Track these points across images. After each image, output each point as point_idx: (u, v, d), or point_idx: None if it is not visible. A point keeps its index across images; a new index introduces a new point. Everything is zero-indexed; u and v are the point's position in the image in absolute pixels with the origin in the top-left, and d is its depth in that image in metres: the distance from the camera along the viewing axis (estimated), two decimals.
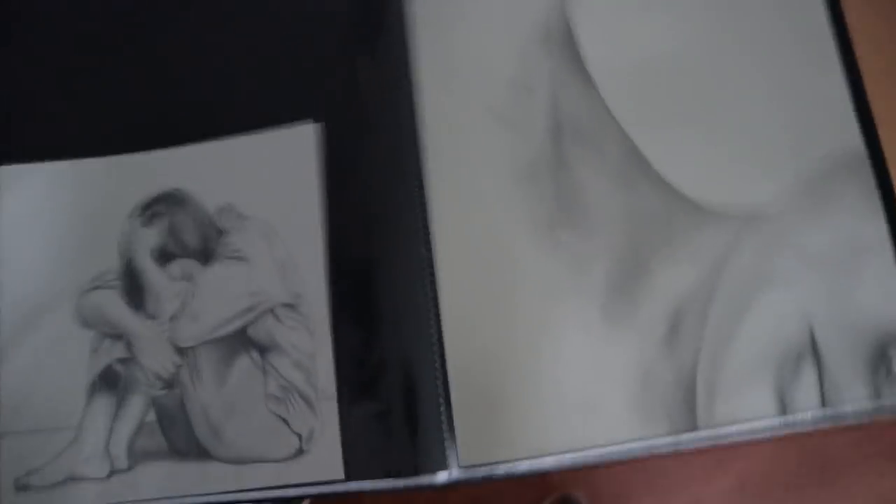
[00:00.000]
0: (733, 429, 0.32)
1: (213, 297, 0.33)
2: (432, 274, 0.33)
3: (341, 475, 0.31)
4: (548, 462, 0.31)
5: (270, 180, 0.35)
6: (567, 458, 0.31)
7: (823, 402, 0.33)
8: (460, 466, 0.31)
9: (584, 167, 0.35)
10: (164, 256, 0.34)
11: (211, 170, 0.35)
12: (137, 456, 0.32)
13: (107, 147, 0.35)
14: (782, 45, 0.36)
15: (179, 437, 0.32)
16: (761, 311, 0.34)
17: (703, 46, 0.36)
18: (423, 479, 0.31)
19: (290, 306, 0.33)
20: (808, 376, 0.33)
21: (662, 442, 0.32)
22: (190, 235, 0.34)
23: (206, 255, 0.34)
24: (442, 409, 0.31)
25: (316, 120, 0.35)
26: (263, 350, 0.32)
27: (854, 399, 0.33)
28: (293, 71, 0.36)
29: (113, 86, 0.36)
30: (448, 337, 0.33)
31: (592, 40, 0.36)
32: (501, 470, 0.31)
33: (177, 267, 0.34)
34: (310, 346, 0.32)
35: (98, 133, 0.35)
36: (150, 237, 0.34)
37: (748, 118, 0.36)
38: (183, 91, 0.36)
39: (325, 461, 0.31)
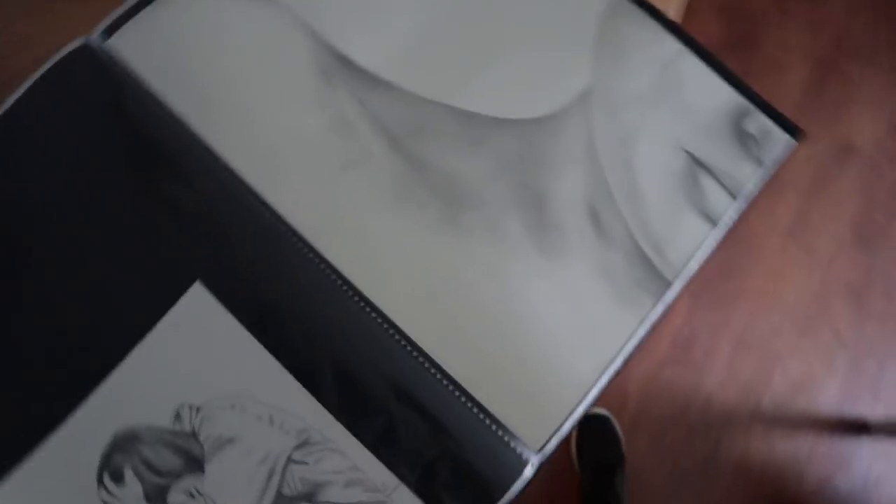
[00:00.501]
0: (693, 262, 0.36)
1: (232, 492, 0.32)
2: (390, 323, 0.34)
3: None
4: (593, 393, 0.33)
5: (200, 355, 0.33)
6: (604, 379, 0.34)
7: (733, 195, 0.37)
8: (536, 452, 0.32)
9: (438, 155, 0.36)
10: (159, 495, 0.32)
11: (139, 388, 0.33)
12: None
13: (29, 439, 0.32)
14: None
15: None
16: (645, 162, 0.37)
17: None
18: (517, 486, 0.32)
19: (302, 444, 0.32)
20: (709, 184, 0.38)
21: (657, 312, 0.35)
22: (167, 460, 0.32)
23: (196, 463, 0.32)
24: (485, 420, 0.32)
25: (197, 275, 0.34)
26: (310, 497, 0.32)
27: (748, 175, 0.38)
28: (140, 250, 0.34)
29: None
30: (441, 359, 0.33)
31: (362, 49, 0.38)
32: (567, 427, 0.33)
33: (178, 494, 0.32)
34: (346, 461, 0.32)
35: (12, 434, 0.32)
36: (132, 489, 0.32)
37: (526, 25, 0.39)
38: (65, 344, 0.33)
39: None
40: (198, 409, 0.33)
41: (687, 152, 0.38)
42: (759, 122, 0.40)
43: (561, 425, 0.33)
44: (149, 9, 0.38)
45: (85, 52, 0.37)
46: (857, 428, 0.95)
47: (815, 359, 1.00)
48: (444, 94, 0.37)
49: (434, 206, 0.35)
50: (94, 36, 0.37)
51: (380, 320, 0.33)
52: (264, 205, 0.35)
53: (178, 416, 0.33)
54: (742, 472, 0.95)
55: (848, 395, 0.99)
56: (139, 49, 0.37)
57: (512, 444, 0.32)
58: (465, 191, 0.36)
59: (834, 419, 0.97)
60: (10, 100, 0.37)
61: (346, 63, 0.37)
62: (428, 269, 0.34)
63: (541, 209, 0.36)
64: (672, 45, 0.41)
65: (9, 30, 0.46)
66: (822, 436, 0.95)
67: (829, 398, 0.99)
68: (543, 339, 0.34)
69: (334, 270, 0.34)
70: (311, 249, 0.34)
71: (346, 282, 0.34)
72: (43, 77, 0.37)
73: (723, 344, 0.99)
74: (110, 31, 0.37)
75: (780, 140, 0.40)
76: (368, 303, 0.34)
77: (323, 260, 0.34)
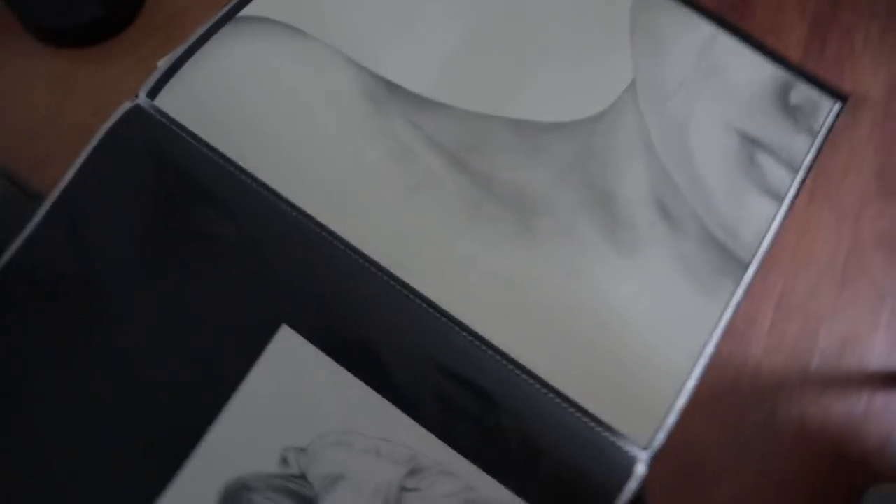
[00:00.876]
0: (766, 240, 0.36)
1: None
2: (480, 339, 0.34)
3: None
4: (691, 383, 0.33)
5: (298, 397, 0.33)
6: (699, 368, 0.34)
7: (794, 168, 0.38)
8: (644, 449, 0.33)
9: (501, 168, 0.36)
10: None
11: (241, 438, 0.33)
12: None
13: None
14: None
15: None
16: (701, 148, 0.38)
17: (486, 11, 0.39)
18: (632, 484, 0.32)
19: (413, 472, 0.32)
20: (767, 161, 0.38)
21: (738, 294, 0.35)
22: None
23: None
24: (588, 423, 0.33)
25: (283, 318, 0.34)
26: None
27: (803, 147, 0.38)
28: (220, 302, 0.35)
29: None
30: (535, 367, 0.33)
31: (407, 73, 0.38)
32: (670, 420, 0.33)
33: None
34: (459, 482, 0.32)
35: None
36: None
37: (562, 27, 0.39)
38: (160, 406, 0.34)
39: None
40: (303, 450, 0.33)
41: (739, 132, 0.38)
42: (804, 93, 0.40)
43: (665, 419, 0.33)
44: (188, 64, 0.38)
45: (137, 113, 0.37)
46: None
47: (858, 314, 0.99)
48: (494, 107, 0.38)
49: (506, 218, 0.35)
50: (141, 97, 0.37)
51: (470, 337, 0.34)
52: (337, 239, 0.35)
53: (284, 460, 0.33)
54: (801, 436, 0.94)
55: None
56: (187, 104, 0.37)
57: (619, 444, 0.33)
58: (534, 199, 0.36)
59: (885, 373, 0.97)
60: (71, 172, 0.37)
61: (393, 88, 0.37)
62: (510, 281, 0.35)
63: (610, 208, 0.36)
64: (705, 27, 0.41)
65: (33, 100, 0.46)
66: (876, 391, 0.95)
67: (878, 352, 0.98)
68: (633, 337, 0.34)
69: (417, 294, 0.34)
70: (392, 276, 0.34)
71: (430, 303, 0.34)
72: (100, 144, 0.37)
73: (763, 310, 0.99)
74: (154, 91, 0.37)
75: (826, 107, 0.40)
76: (456, 321, 0.34)
77: (404, 285, 0.34)
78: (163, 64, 0.38)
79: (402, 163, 0.36)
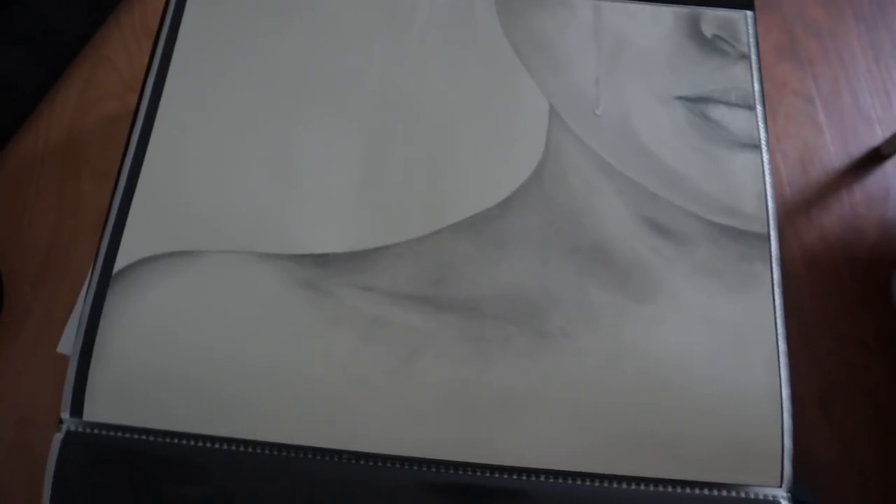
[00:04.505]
0: (769, 199, 0.33)
1: None
2: (564, 474, 0.30)
3: None
4: (786, 391, 0.30)
5: None
6: (784, 371, 0.30)
7: (750, 104, 0.34)
8: (778, 486, 0.29)
9: (479, 283, 0.32)
10: None
11: None
12: None
13: None
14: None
15: None
16: (655, 139, 0.34)
17: (367, 135, 0.34)
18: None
19: None
20: (720, 112, 0.34)
21: (776, 272, 0.32)
22: None
23: None
24: (708, 493, 0.29)
25: None
26: None
27: (744, 75, 0.35)
28: None
29: None
30: (636, 471, 0.30)
31: (325, 237, 0.33)
32: (787, 443, 0.30)
33: None
34: None
35: None
36: None
37: (459, 104, 0.34)
38: None
39: None
40: None
41: (679, 99, 0.34)
42: (713, 18, 0.36)
43: (782, 446, 0.30)
44: (96, 349, 0.31)
45: (72, 441, 0.31)
46: (874, 159, 0.96)
47: (799, 128, 0.99)
48: (432, 222, 0.32)
49: (515, 332, 0.31)
50: (67, 420, 0.31)
51: (553, 478, 0.29)
52: (359, 457, 0.30)
53: None
54: (812, 262, 0.95)
55: (846, 138, 0.99)
56: (117, 397, 0.31)
57: (752, 495, 0.29)
58: (531, 297, 0.31)
59: (850, 167, 0.98)
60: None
61: (322, 260, 0.32)
62: (556, 395, 0.30)
63: (609, 260, 0.32)
64: (582, 4, 0.37)
65: None
66: (853, 187, 0.96)
67: (834, 150, 0.99)
68: (705, 378, 0.30)
69: (476, 466, 0.29)
70: (439, 463, 0.29)
71: (496, 468, 0.29)
72: (54, 489, 0.31)
73: None
74: (76, 406, 0.31)
75: (741, 21, 0.36)
76: (530, 471, 0.29)
77: (456, 464, 0.29)
78: (63, 348, 0.31)
79: (377, 339, 0.31)
